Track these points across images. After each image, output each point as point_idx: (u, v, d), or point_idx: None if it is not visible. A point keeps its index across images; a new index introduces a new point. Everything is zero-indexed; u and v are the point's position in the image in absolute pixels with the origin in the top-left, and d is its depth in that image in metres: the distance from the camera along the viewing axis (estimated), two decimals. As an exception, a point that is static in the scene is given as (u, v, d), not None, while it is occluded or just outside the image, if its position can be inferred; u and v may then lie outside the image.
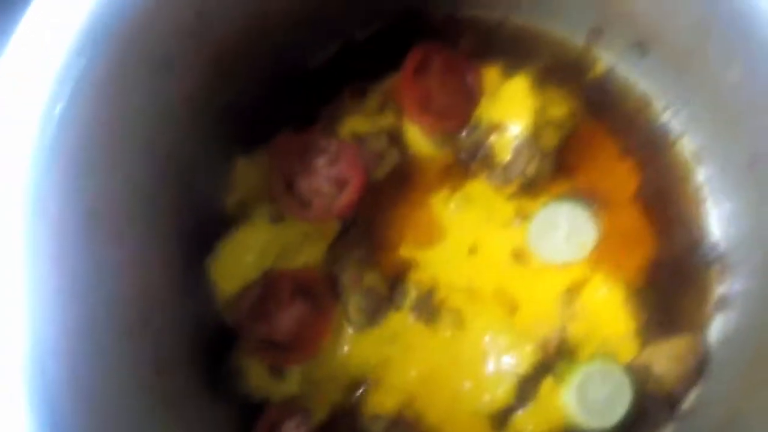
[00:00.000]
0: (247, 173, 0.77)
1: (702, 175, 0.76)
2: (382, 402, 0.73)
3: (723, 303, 0.74)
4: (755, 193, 0.68)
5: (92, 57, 0.56)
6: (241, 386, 0.73)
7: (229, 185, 0.77)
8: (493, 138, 0.73)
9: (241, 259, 0.74)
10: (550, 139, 0.73)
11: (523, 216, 0.75)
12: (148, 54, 0.60)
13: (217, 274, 0.74)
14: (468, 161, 0.76)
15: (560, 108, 0.73)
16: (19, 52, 0.55)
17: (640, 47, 0.73)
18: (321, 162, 0.75)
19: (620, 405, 0.70)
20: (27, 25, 0.55)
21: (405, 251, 0.76)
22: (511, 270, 0.74)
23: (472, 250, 0.75)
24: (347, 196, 0.74)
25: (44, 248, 0.56)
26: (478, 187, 0.76)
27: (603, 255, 0.73)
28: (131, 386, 0.64)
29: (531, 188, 0.74)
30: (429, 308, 0.74)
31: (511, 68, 0.75)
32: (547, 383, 0.71)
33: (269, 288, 0.74)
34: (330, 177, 0.75)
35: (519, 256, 0.74)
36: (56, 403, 0.55)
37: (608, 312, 0.72)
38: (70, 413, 0.56)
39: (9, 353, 0.54)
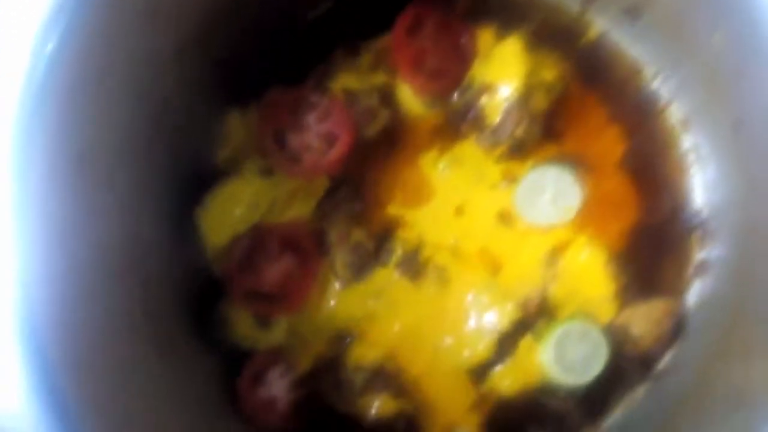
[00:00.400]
0: (238, 127, 0.77)
1: (688, 142, 0.76)
2: (365, 354, 0.74)
3: (702, 268, 0.75)
4: (738, 159, 0.69)
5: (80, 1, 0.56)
6: (229, 335, 0.75)
7: (220, 139, 0.77)
8: (483, 99, 0.73)
9: (231, 211, 0.75)
10: (540, 103, 0.73)
11: (511, 179, 0.75)
12: (135, 3, 0.60)
13: (207, 225, 0.75)
14: (458, 122, 0.76)
15: (551, 71, 0.73)
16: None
17: (633, 12, 0.72)
18: (311, 118, 0.75)
19: (596, 363, 0.71)
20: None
21: (393, 209, 0.77)
22: (496, 231, 0.75)
23: (459, 211, 0.76)
24: (336, 153, 0.75)
25: (32, 190, 0.56)
26: (468, 149, 0.76)
27: (587, 219, 0.73)
28: (120, 331, 0.65)
29: (519, 151, 0.74)
30: (414, 265, 0.75)
31: (504, 30, 0.75)
32: (526, 341, 0.73)
33: (258, 241, 0.75)
34: (320, 133, 0.75)
35: (505, 217, 0.75)
36: (46, 347, 0.55)
37: (589, 274, 0.73)
38: (59, 354, 0.56)
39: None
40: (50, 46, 0.55)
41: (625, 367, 0.73)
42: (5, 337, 0.54)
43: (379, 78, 0.76)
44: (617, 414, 0.75)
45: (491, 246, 0.75)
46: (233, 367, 0.75)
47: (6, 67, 0.54)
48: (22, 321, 0.55)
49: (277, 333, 0.75)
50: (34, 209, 0.56)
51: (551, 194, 0.73)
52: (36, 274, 0.56)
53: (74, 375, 0.57)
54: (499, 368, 0.73)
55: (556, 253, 0.74)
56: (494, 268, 0.74)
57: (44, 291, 0.56)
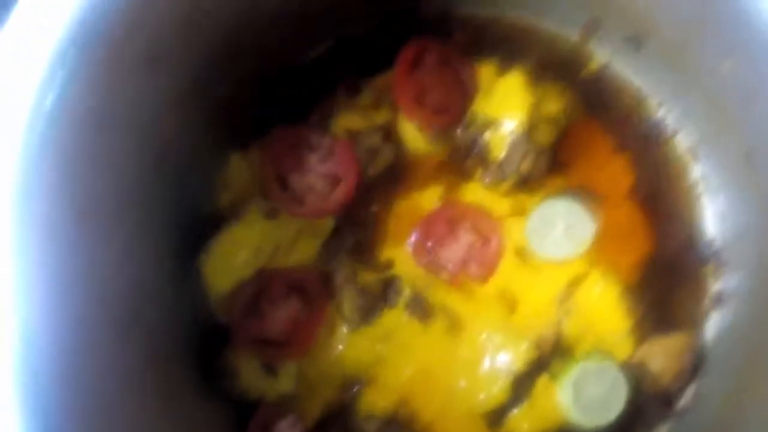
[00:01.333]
0: (240, 170, 0.76)
1: (697, 172, 0.76)
2: (376, 401, 0.72)
3: (719, 300, 0.74)
4: (750, 188, 0.68)
5: (81, 51, 0.55)
6: (235, 384, 0.73)
7: (222, 182, 0.76)
8: (487, 134, 0.73)
9: (234, 256, 0.74)
10: (545, 136, 0.72)
11: (520, 213, 0.74)
12: (136, 50, 0.59)
13: (210, 272, 0.73)
14: (462, 158, 0.75)
15: (555, 104, 0.73)
16: (7, 47, 0.54)
17: (635, 41, 0.72)
18: (314, 158, 0.74)
19: (616, 403, 0.69)
20: (16, 20, 0.54)
21: (400, 250, 0.75)
22: (511, 267, 0.74)
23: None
24: (340, 193, 0.74)
25: (33, 247, 0.56)
26: (474, 188, 0.75)
27: (599, 252, 0.72)
28: (125, 383, 0.63)
29: (526, 185, 0.74)
30: (423, 307, 0.74)
31: (505, 64, 0.74)
32: (543, 381, 0.71)
33: (263, 286, 0.73)
34: (323, 173, 0.74)
35: (519, 253, 0.74)
36: (48, 403, 0.54)
37: (604, 309, 0.72)
38: (63, 413, 0.55)
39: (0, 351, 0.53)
40: (49, 100, 0.54)
41: (646, 405, 0.71)
42: (6, 393, 0.53)
43: (382, 116, 0.76)
44: (640, 454, 0.72)
45: (508, 284, 0.73)
46: (241, 418, 0.73)
47: (5, 123, 0.54)
48: (24, 377, 0.54)
49: (285, 381, 0.73)
50: (35, 265, 0.55)
51: (562, 227, 0.72)
52: (37, 328, 0.55)
53: (77, 428, 0.56)
54: (516, 411, 0.71)
55: (570, 287, 0.73)
56: (510, 306, 0.73)
57: (46, 345, 0.55)
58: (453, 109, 0.75)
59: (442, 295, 0.73)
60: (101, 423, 0.59)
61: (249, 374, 0.73)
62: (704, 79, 0.67)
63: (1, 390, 0.53)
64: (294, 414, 0.72)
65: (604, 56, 0.77)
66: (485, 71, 0.75)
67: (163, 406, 0.67)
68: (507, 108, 0.71)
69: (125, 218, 0.65)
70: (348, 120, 0.75)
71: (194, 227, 0.74)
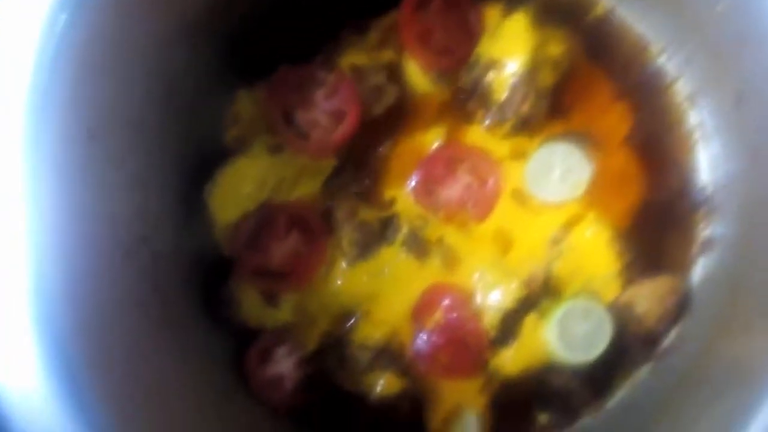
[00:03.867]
0: (247, 106, 0.78)
1: (694, 119, 0.76)
2: (370, 333, 0.75)
3: (707, 245, 0.75)
4: (740, 134, 0.69)
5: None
6: (236, 312, 0.76)
7: (229, 116, 0.77)
8: (490, 75, 0.73)
9: (239, 189, 0.76)
10: (547, 78, 0.73)
11: (519, 156, 0.75)
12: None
13: (216, 203, 0.75)
14: (465, 99, 0.76)
15: (558, 47, 0.73)
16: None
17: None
18: (319, 95, 0.75)
19: (600, 341, 0.71)
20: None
21: (400, 189, 0.76)
22: (509, 209, 0.75)
23: (471, 189, 0.75)
24: (344, 129, 0.75)
25: (45, 165, 0.57)
26: (475, 130, 0.76)
27: (594, 196, 0.73)
28: (130, 307, 0.65)
29: (526, 128, 0.74)
30: (420, 244, 0.75)
31: (511, 6, 0.74)
32: (531, 319, 0.73)
33: (265, 219, 0.75)
34: (328, 110, 0.75)
35: (517, 195, 0.75)
36: (59, 321, 0.56)
37: (594, 252, 0.73)
38: (73, 331, 0.57)
39: (13, 269, 0.56)
40: (61, 22, 0.55)
41: (629, 345, 0.73)
42: (19, 314, 0.55)
43: (387, 55, 0.76)
44: (622, 392, 0.75)
45: (505, 224, 0.75)
46: (242, 345, 0.75)
47: (18, 43, 0.55)
48: (35, 296, 0.56)
49: (285, 311, 0.76)
50: (47, 184, 0.57)
51: (560, 171, 0.73)
52: (49, 248, 0.57)
53: (86, 349, 0.58)
54: (504, 345, 0.73)
55: (564, 230, 0.74)
56: (505, 246, 0.74)
57: (57, 266, 0.57)
58: (457, 50, 0.75)
59: (440, 233, 0.75)
60: (107, 339, 0.61)
61: (250, 304, 0.75)
62: (702, 24, 0.67)
63: (16, 308, 0.55)
64: (291, 343, 0.75)
65: (609, 2, 0.77)
66: (491, 13, 0.75)
67: (165, 331, 0.69)
68: (510, 49, 0.72)
69: (134, 145, 0.67)
70: (354, 58, 0.76)
71: (201, 159, 0.75)
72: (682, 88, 0.76)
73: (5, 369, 0.56)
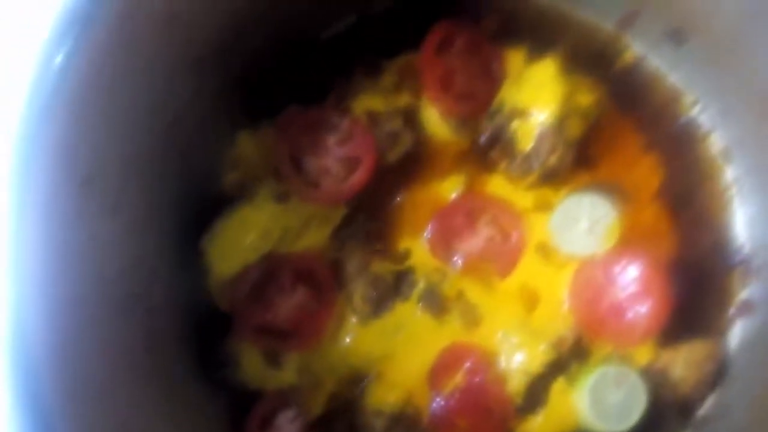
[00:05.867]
0: (249, 149, 0.73)
1: (730, 174, 0.73)
2: (384, 397, 0.70)
3: (745, 308, 0.72)
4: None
5: (96, 7, 0.52)
6: (235, 372, 0.70)
7: (229, 160, 0.73)
8: (515, 124, 0.70)
9: (242, 239, 0.71)
10: (575, 129, 0.70)
11: (543, 208, 0.71)
12: (155, 6, 0.56)
13: (214, 254, 0.70)
14: (486, 148, 0.72)
15: (587, 96, 0.70)
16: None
17: (677, 35, 0.69)
18: (331, 140, 0.71)
19: (634, 410, 0.67)
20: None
21: (416, 240, 0.72)
22: (534, 263, 0.71)
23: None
24: (358, 178, 0.71)
25: (32, 216, 0.52)
26: (496, 180, 0.73)
27: (623, 251, 0.70)
28: (122, 368, 0.61)
29: (551, 179, 0.71)
30: (438, 301, 0.71)
31: (535, 51, 0.72)
32: (559, 384, 0.69)
33: (269, 272, 0.70)
34: (340, 157, 0.71)
35: (542, 249, 0.71)
36: (40, 384, 0.52)
37: (626, 313, 0.69)
38: (55, 395, 0.53)
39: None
40: (60, 57, 0.51)
41: (665, 413, 0.69)
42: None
43: (403, 99, 0.73)
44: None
45: (530, 280, 0.71)
46: (241, 408, 0.70)
47: (11, 78, 0.50)
48: (15, 354, 0.51)
49: (288, 372, 0.71)
50: (34, 233, 0.53)
51: (587, 223, 0.70)
52: (32, 303, 0.52)
53: (71, 415, 0.54)
54: (530, 413, 0.69)
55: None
56: (531, 304, 0.70)
57: (41, 322, 0.53)
58: (479, 96, 0.72)
59: (459, 288, 0.71)
60: (94, 403, 0.57)
61: (250, 364, 0.70)
62: (748, 77, 0.65)
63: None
64: (295, 407, 0.69)
65: (640, 49, 0.75)
66: (514, 58, 0.72)
67: (159, 390, 0.65)
68: (538, 98, 0.69)
69: (131, 190, 0.62)
70: (369, 102, 0.72)
71: (201, 206, 0.71)
72: (716, 141, 0.74)
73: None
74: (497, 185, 0.72)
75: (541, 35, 0.73)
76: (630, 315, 0.68)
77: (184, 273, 0.70)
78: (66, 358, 0.54)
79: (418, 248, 0.72)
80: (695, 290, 0.71)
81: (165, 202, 0.67)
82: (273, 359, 0.71)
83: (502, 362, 0.69)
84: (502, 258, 0.71)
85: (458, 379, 0.69)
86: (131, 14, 0.54)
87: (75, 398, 0.55)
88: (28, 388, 0.51)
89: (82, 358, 0.56)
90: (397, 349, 0.70)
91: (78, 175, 0.55)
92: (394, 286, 0.71)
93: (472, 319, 0.70)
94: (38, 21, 0.50)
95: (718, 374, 0.69)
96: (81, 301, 0.57)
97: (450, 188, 0.73)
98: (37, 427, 0.51)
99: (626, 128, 0.73)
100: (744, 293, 0.72)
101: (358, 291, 0.71)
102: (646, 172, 0.72)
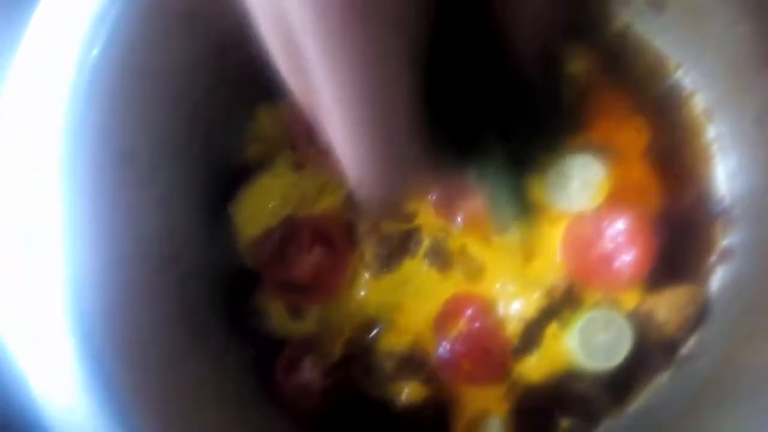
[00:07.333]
0: (269, 123, 0.79)
1: (712, 132, 0.77)
2: (395, 342, 0.76)
3: (726, 255, 0.76)
4: (759, 149, 0.70)
5: (124, 7, 0.59)
6: (262, 325, 0.77)
7: (251, 135, 0.79)
8: (507, 90, 0.74)
9: (263, 205, 0.77)
10: (567, 95, 0.74)
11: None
12: (175, 7, 0.62)
13: (240, 219, 0.77)
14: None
15: (577, 64, 0.74)
16: (56, 5, 0.58)
17: (657, 4, 0.73)
18: (341, 112, 0.76)
19: (621, 349, 0.73)
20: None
21: (422, 202, 0.77)
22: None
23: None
24: (366, 146, 0.76)
25: (80, 188, 0.59)
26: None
27: (613, 206, 0.74)
28: (159, 320, 0.67)
29: (544, 142, 0.75)
30: (442, 257, 0.77)
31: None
32: (552, 328, 0.74)
33: (290, 234, 0.77)
34: (350, 127, 0.76)
35: (538, 205, 0.75)
36: (95, 338, 0.58)
37: (614, 262, 0.74)
38: (108, 348, 0.60)
39: (49, 286, 0.58)
40: (94, 53, 0.57)
41: (650, 353, 0.74)
42: (58, 331, 0.57)
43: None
44: (642, 398, 0.76)
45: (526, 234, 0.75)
46: (267, 356, 0.77)
47: (54, 73, 0.57)
48: (73, 314, 0.58)
49: (309, 322, 0.77)
50: (83, 206, 0.59)
51: (579, 182, 0.74)
52: (84, 268, 0.59)
53: (124, 366, 0.61)
54: (526, 355, 0.75)
55: (582, 240, 0.75)
56: (527, 256, 0.75)
57: (92, 285, 0.59)
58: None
59: (462, 245, 0.76)
60: (142, 357, 0.63)
61: (275, 315, 0.77)
62: (722, 42, 0.68)
63: (56, 328, 0.57)
64: (317, 353, 0.76)
65: (626, 18, 0.78)
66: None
67: (194, 342, 0.71)
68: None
69: (164, 165, 0.69)
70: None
71: (227, 177, 0.77)
72: (699, 102, 0.77)
73: (49, 386, 0.58)
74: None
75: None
76: (617, 263, 0.73)
77: (214, 237, 0.76)
78: (115, 315, 0.61)
79: (424, 209, 0.77)
80: (680, 240, 0.75)
81: (193, 176, 0.74)
82: (295, 312, 0.77)
83: (501, 309, 0.75)
84: (500, 215, 0.76)
85: (461, 325, 0.75)
86: (157, 12, 0.60)
87: (126, 349, 0.61)
88: (87, 342, 0.58)
89: (128, 315, 0.63)
90: (406, 299, 0.76)
91: (116, 152, 0.62)
92: (403, 244, 0.77)
93: (474, 271, 0.76)
94: (74, 22, 0.57)
95: (699, 316, 0.74)
96: (124, 264, 0.64)
97: (452, 153, 0.78)
98: (95, 374, 0.58)
99: (615, 93, 0.77)
100: (725, 241, 0.76)
101: (370, 249, 0.77)
102: (633, 133, 0.76)
